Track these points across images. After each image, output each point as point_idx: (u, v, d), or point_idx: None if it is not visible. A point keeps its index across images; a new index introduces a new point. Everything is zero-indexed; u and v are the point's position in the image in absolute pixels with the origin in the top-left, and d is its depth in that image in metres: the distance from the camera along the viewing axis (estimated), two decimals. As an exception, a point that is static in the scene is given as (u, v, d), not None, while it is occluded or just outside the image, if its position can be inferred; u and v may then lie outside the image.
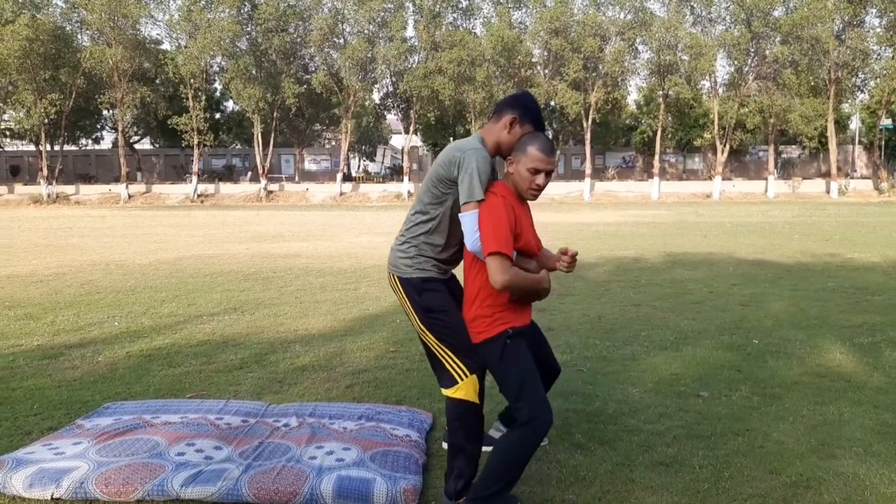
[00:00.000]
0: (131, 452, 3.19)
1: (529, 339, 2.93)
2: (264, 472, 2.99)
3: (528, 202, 2.94)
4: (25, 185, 42.68)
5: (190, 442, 3.33)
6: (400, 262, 2.96)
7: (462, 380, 2.81)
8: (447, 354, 2.85)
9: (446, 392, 2.85)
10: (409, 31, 39.76)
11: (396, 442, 3.38)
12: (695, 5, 37.45)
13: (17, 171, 47.46)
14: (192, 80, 38.14)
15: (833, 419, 3.77)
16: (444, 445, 3.40)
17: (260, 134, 40.11)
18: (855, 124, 45.35)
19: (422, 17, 38.64)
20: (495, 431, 3.44)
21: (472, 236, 2.72)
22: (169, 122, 39.82)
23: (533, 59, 39.76)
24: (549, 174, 2.80)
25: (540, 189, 2.81)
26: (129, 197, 39.87)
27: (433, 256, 2.93)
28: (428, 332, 2.91)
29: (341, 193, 40.66)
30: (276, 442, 3.37)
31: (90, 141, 50.30)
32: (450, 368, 2.84)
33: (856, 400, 4.07)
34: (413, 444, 3.37)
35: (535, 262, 2.91)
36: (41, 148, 40.02)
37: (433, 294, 2.91)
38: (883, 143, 40.73)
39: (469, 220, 2.73)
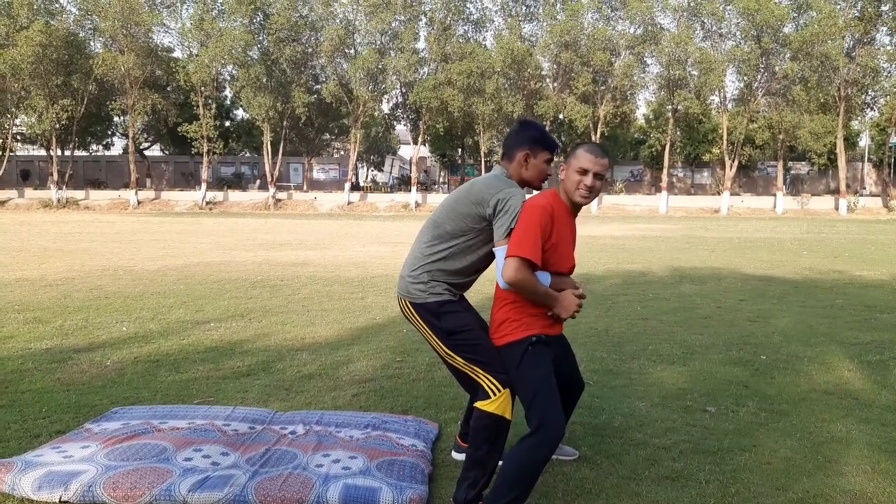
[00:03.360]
0: (139, 457, 3.20)
1: (556, 350, 2.93)
2: (271, 478, 3.00)
3: (575, 219, 2.94)
4: (36, 189, 42.95)
5: (197, 447, 3.35)
6: (412, 287, 2.95)
7: (495, 395, 2.80)
8: (478, 372, 2.85)
9: (480, 405, 2.83)
10: (420, 43, 39.99)
11: (402, 451, 3.39)
12: (705, 20, 37.52)
13: (27, 175, 47.79)
14: (202, 88, 38.40)
15: (841, 436, 3.75)
16: (454, 455, 3.41)
17: (269, 142, 40.30)
18: (864, 141, 45.25)
19: (433, 28, 38.84)
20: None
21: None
22: (179, 130, 40.08)
23: (542, 72, 39.86)
24: (598, 176, 2.80)
25: (589, 190, 2.80)
26: (139, 203, 40.07)
27: (447, 280, 2.93)
28: (455, 355, 2.90)
29: (349, 203, 40.76)
30: (283, 449, 3.38)
31: (101, 147, 50.59)
32: (483, 384, 2.83)
33: (864, 417, 4.05)
34: (419, 454, 3.37)
35: (569, 280, 2.92)
36: (52, 153, 40.32)
37: (451, 316, 2.91)
38: (893, 160, 40.57)
39: (503, 254, 2.75)
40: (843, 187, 37.29)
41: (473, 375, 2.86)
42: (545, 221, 2.73)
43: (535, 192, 3.02)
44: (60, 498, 2.87)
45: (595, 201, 39.08)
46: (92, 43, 40.67)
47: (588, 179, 2.79)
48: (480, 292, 6.79)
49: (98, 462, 3.13)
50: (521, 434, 2.75)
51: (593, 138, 39.08)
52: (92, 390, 4.49)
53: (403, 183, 49.32)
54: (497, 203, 2.78)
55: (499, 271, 2.77)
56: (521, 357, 2.76)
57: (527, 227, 2.70)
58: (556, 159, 3.06)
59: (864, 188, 43.33)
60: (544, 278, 2.78)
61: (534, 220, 2.71)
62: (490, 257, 2.98)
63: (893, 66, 36.14)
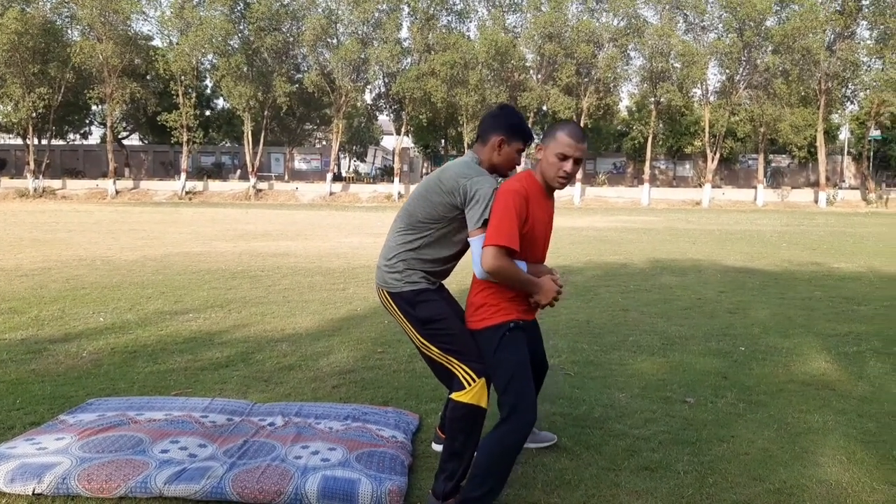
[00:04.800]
0: (114, 449, 3.16)
1: (529, 334, 2.93)
2: (249, 470, 2.97)
3: (553, 201, 2.92)
4: (12, 178, 42.31)
5: (174, 439, 3.31)
6: (388, 277, 2.93)
7: (470, 384, 2.79)
8: (453, 362, 2.83)
9: (455, 396, 2.82)
10: (403, 33, 39.80)
11: (382, 443, 3.37)
12: (688, 13, 37.68)
13: (3, 164, 47.08)
14: (182, 77, 37.98)
15: (817, 427, 3.79)
16: (434, 447, 3.40)
17: (250, 132, 40.00)
18: (844, 135, 45.72)
19: (416, 19, 38.66)
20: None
21: (480, 260, 2.71)
22: (158, 119, 39.68)
23: (526, 64, 39.85)
24: (577, 162, 2.74)
25: (568, 176, 2.74)
26: (117, 192, 39.63)
27: (422, 269, 2.91)
28: (430, 345, 2.88)
29: (331, 193, 40.59)
30: (262, 441, 3.35)
31: (78, 136, 49.95)
32: (458, 374, 2.82)
33: (840, 408, 4.09)
34: (399, 446, 3.36)
35: (545, 268, 2.91)
36: (28, 142, 39.75)
37: (427, 304, 2.89)
38: (871, 153, 41.09)
39: (478, 244, 2.72)
40: (822, 180, 37.69)
41: (449, 366, 2.85)
42: (520, 206, 2.69)
43: (502, 179, 2.99)
44: (34, 490, 2.83)
45: (577, 193, 39.24)
46: (69, 31, 40.08)
47: (568, 165, 2.72)
48: (462, 283, 6.78)
49: (73, 454, 3.08)
50: (495, 423, 2.74)
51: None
52: (67, 381, 4.43)
53: (386, 173, 49.17)
54: (468, 191, 2.75)
55: (475, 261, 2.74)
56: (498, 342, 2.75)
57: (502, 213, 2.65)
58: (527, 150, 3.03)
59: (844, 181, 43.80)
60: (521, 267, 2.76)
61: (509, 206, 2.66)
62: (466, 244, 2.96)
63: (873, 60, 36.51)
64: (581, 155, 2.74)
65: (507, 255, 2.66)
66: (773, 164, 45.10)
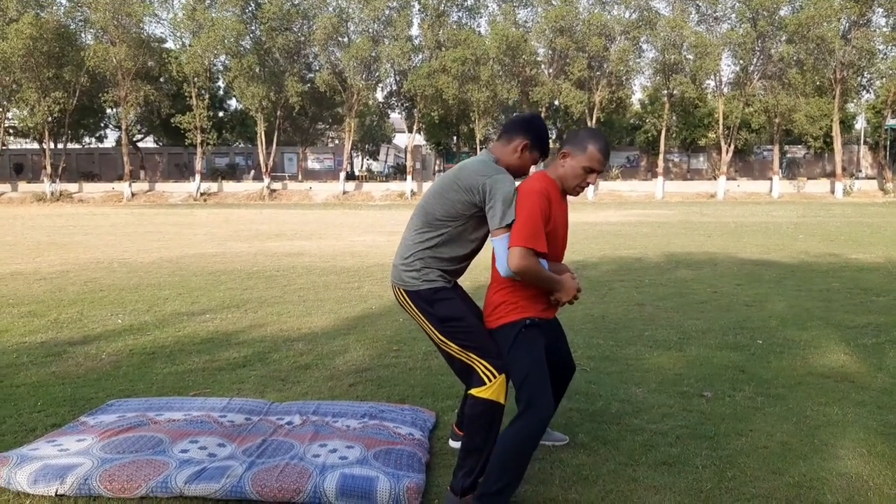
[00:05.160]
0: (135, 449, 3.19)
1: (549, 334, 2.94)
2: (268, 469, 3.00)
3: (567, 201, 2.98)
4: (29, 182, 42.70)
5: (193, 439, 3.34)
6: (405, 275, 2.93)
7: (490, 380, 2.80)
8: (473, 358, 2.84)
9: (475, 392, 2.82)
10: (414, 30, 39.78)
11: (400, 440, 3.38)
12: (700, 4, 37.30)
13: (20, 169, 47.54)
14: (195, 79, 38.15)
15: (837, 420, 3.76)
16: (451, 444, 3.41)
17: (263, 132, 40.12)
18: (860, 124, 45.22)
19: (427, 15, 38.62)
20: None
21: (505, 259, 2.72)
22: (172, 121, 39.86)
23: (537, 59, 39.70)
24: (599, 173, 2.87)
25: (586, 188, 2.88)
26: (133, 195, 39.88)
27: (439, 267, 2.92)
28: (449, 342, 2.89)
29: (344, 192, 40.65)
30: (280, 440, 3.37)
31: (94, 139, 50.30)
32: (478, 370, 2.83)
33: (859, 401, 4.06)
34: (416, 443, 3.37)
35: (564, 266, 2.94)
36: (45, 146, 40.06)
37: (445, 303, 2.90)
38: (888, 143, 40.58)
39: (502, 244, 2.73)
40: (839, 170, 37.28)
41: (469, 362, 2.86)
42: (545, 207, 2.73)
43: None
44: (56, 491, 2.87)
45: (591, 187, 39.01)
46: (83, 35, 40.30)
47: (592, 178, 2.85)
48: (476, 280, 6.80)
49: (94, 455, 3.12)
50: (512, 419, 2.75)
51: (589, 124, 38.96)
52: (87, 383, 4.48)
53: (398, 171, 49.20)
54: (487, 190, 2.75)
55: (499, 260, 2.75)
56: (514, 338, 2.78)
57: (529, 214, 2.69)
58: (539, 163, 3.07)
59: (860, 171, 43.34)
60: (543, 265, 2.78)
61: (535, 207, 2.70)
62: (482, 242, 2.97)
63: (889, 47, 36.06)
64: (603, 170, 2.90)
65: (535, 255, 2.68)
66: (788, 155, 44.68)
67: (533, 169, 3.05)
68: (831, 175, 39.89)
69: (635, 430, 3.63)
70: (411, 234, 2.96)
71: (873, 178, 39.94)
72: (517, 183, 2.87)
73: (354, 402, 4.02)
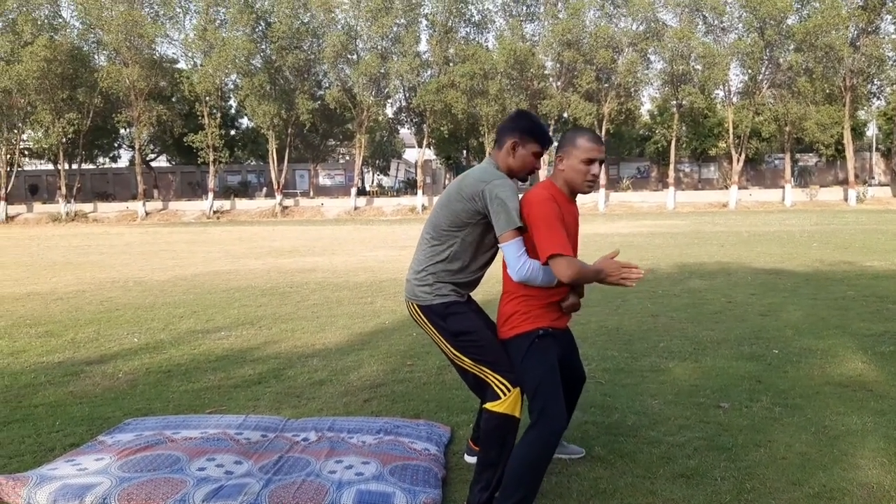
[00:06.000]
0: (153, 468, 3.21)
1: (562, 343, 2.93)
2: (284, 486, 3.00)
3: (576, 205, 2.98)
4: (44, 203, 43.21)
5: (210, 457, 3.35)
6: (418, 290, 2.95)
7: (505, 394, 2.80)
8: (487, 372, 2.85)
9: (490, 406, 2.83)
10: (422, 46, 40.03)
11: (415, 456, 3.38)
12: (707, 14, 37.38)
13: (35, 189, 48.09)
14: (207, 98, 38.57)
15: (856, 429, 3.72)
16: (466, 459, 3.40)
17: (275, 150, 40.44)
18: (872, 131, 45.00)
19: (435, 31, 38.88)
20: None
21: (516, 264, 2.72)
22: (185, 140, 40.26)
23: (545, 72, 39.83)
24: (601, 162, 2.84)
25: (595, 178, 2.84)
26: (147, 214, 40.25)
27: (451, 281, 2.93)
28: (462, 356, 2.90)
29: (356, 208, 40.82)
30: (296, 456, 3.38)
31: (107, 159, 50.91)
32: (492, 385, 2.83)
33: (878, 409, 4.02)
34: (432, 458, 3.37)
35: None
36: (59, 167, 40.57)
37: (458, 317, 2.91)
38: (901, 149, 40.38)
39: (512, 250, 2.73)
40: (851, 178, 37.07)
41: (482, 376, 2.86)
42: (559, 213, 2.75)
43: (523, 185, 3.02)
44: (76, 511, 2.88)
45: (602, 199, 39.04)
46: (96, 56, 40.90)
47: (595, 168, 2.82)
48: (488, 293, 6.79)
49: (112, 474, 3.14)
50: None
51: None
52: (105, 402, 4.51)
53: (409, 186, 49.35)
54: (487, 195, 2.77)
55: (510, 267, 2.76)
56: (527, 348, 2.79)
57: (549, 222, 2.70)
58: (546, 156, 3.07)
59: (873, 178, 43.07)
60: (549, 274, 2.76)
61: (551, 214, 2.72)
62: (492, 252, 2.98)
63: (899, 54, 35.94)
64: (604, 157, 2.86)
65: (571, 258, 2.69)
66: (800, 164, 44.49)
67: (542, 173, 3.06)
68: (844, 183, 39.68)
69: (652, 442, 3.61)
70: (422, 248, 2.99)
71: (887, 185, 39.70)
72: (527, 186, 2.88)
73: (369, 418, 4.03)
